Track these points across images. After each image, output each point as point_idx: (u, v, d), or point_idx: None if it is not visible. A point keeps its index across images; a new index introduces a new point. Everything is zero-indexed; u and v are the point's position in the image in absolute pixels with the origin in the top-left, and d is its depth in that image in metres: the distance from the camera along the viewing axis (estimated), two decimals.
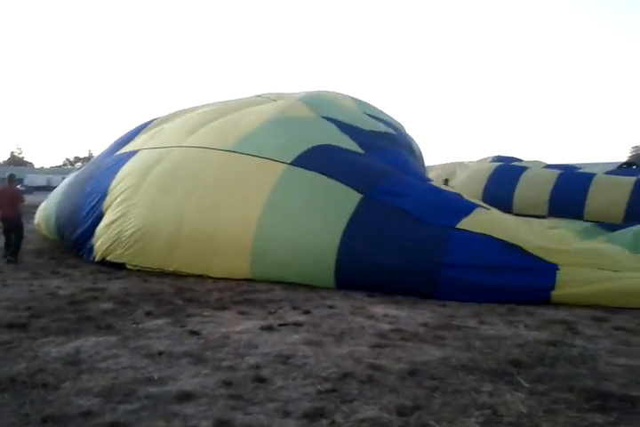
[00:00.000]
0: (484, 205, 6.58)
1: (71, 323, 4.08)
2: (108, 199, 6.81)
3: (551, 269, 4.94)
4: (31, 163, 68.57)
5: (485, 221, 5.68)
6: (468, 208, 5.94)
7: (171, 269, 6.05)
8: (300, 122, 6.99)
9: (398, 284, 5.17)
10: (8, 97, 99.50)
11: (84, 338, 3.69)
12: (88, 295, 5.01)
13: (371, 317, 4.27)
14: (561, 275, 4.84)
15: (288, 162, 6.18)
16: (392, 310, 4.48)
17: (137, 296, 4.99)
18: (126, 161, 7.24)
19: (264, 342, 3.58)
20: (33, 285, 5.53)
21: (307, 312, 4.41)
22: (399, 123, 8.98)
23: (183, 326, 3.99)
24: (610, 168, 15.47)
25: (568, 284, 4.77)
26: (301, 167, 6.14)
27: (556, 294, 4.74)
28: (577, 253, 5.30)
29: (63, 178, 10.04)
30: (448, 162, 16.64)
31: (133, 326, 4.02)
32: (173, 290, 5.27)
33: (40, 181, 43.75)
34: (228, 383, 2.85)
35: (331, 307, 4.59)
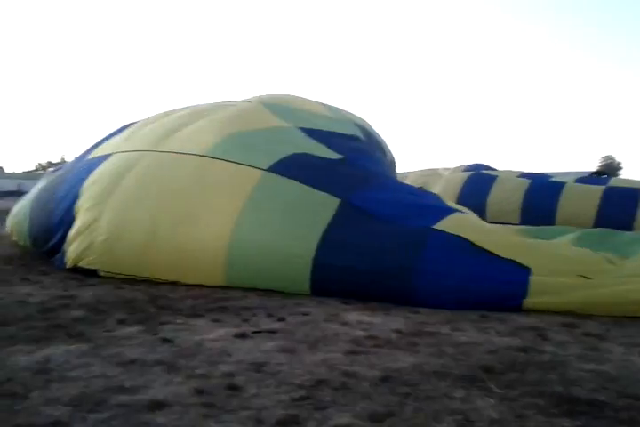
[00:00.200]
0: (463, 209, 6.65)
1: (41, 331, 4.01)
2: (79, 203, 6.71)
3: (524, 275, 4.99)
4: (1, 167, 67.30)
5: (462, 225, 5.73)
6: (445, 211, 6.00)
7: (144, 276, 5.98)
8: (275, 131, 6.99)
9: (373, 290, 5.19)
10: None
11: (54, 346, 3.63)
12: (59, 303, 4.92)
13: (345, 324, 4.29)
14: (533, 282, 4.90)
15: (264, 168, 6.18)
16: (366, 317, 4.50)
17: (109, 304, 4.93)
18: (98, 165, 7.14)
19: (238, 350, 3.56)
20: (2, 292, 5.42)
21: (281, 319, 4.41)
22: (371, 126, 9.01)
23: (156, 334, 3.95)
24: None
25: (540, 292, 4.83)
26: (278, 174, 6.14)
27: (528, 301, 4.80)
28: (551, 258, 5.36)
29: (35, 183, 9.88)
30: (421, 169, 16.80)
31: (105, 333, 3.97)
32: (146, 297, 5.22)
33: (11, 186, 42.91)
34: (200, 392, 2.84)
35: (305, 314, 4.60)
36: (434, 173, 15.43)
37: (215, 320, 4.38)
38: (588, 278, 5.05)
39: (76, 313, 4.56)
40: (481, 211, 11.10)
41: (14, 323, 4.22)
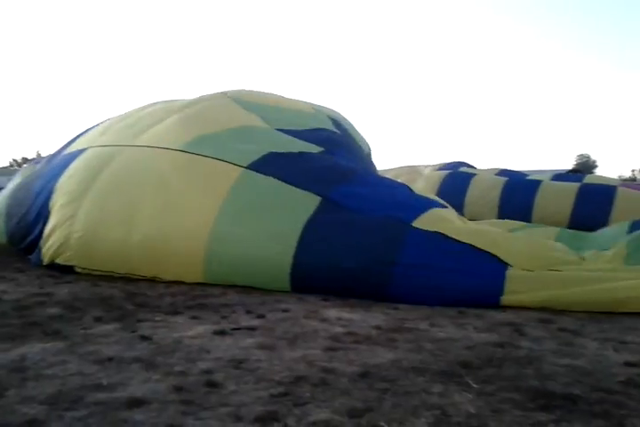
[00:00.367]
0: (443, 202, 6.71)
1: (16, 329, 3.95)
2: (54, 199, 6.62)
3: (501, 272, 5.04)
4: None
5: (441, 219, 5.78)
6: (425, 206, 6.04)
7: (121, 272, 5.93)
8: (252, 129, 6.96)
9: (353, 287, 5.21)
10: None
11: (29, 344, 3.58)
12: (35, 300, 4.86)
13: (324, 320, 4.30)
14: (510, 279, 4.96)
15: (244, 166, 6.16)
16: (345, 314, 4.52)
17: (86, 301, 4.88)
18: (74, 159, 7.04)
19: (217, 347, 3.55)
20: None
21: (260, 316, 4.40)
22: (346, 120, 8.97)
23: (134, 332, 3.92)
24: None
25: (517, 289, 4.89)
26: (258, 172, 6.11)
27: (506, 298, 4.86)
28: (529, 252, 5.43)
29: (10, 179, 9.72)
30: (401, 166, 16.87)
31: (82, 331, 3.93)
32: (124, 294, 5.17)
33: None
34: (179, 389, 2.82)
35: (285, 311, 4.60)
36: (414, 171, 15.53)
37: (194, 317, 4.36)
38: (560, 271, 5.13)
39: (52, 311, 4.51)
40: (459, 209, 11.18)
41: None
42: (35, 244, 6.72)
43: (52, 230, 6.33)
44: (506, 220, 9.12)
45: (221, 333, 3.88)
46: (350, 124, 8.91)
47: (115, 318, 4.29)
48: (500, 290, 4.91)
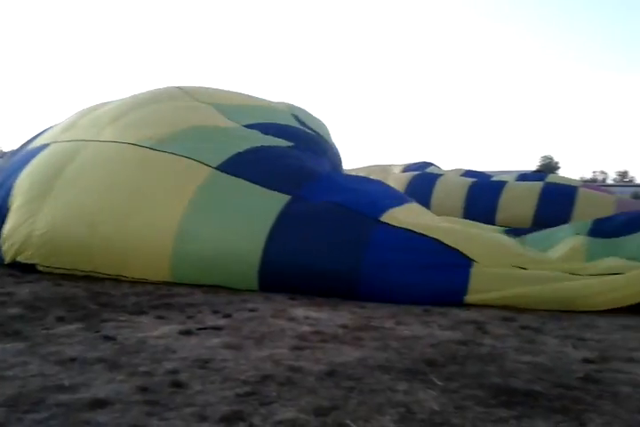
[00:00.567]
0: (411, 200, 6.78)
1: None
2: (15, 195, 6.44)
3: (465, 268, 5.11)
4: None
5: (409, 215, 5.83)
6: (394, 202, 6.09)
7: (85, 270, 5.82)
8: (223, 129, 6.90)
9: (320, 286, 5.22)
10: None
11: None
12: None
13: (292, 319, 4.30)
14: (474, 278, 5.04)
15: (213, 166, 6.10)
16: (313, 313, 4.53)
17: (48, 301, 4.77)
18: (36, 155, 6.87)
19: (182, 347, 3.52)
20: None
21: (227, 316, 4.38)
22: (312, 116, 8.94)
23: (97, 332, 3.85)
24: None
25: (480, 288, 4.97)
26: (227, 173, 6.06)
27: (469, 297, 4.94)
28: (493, 249, 5.53)
29: None
30: (368, 166, 16.96)
31: (43, 331, 3.84)
32: (87, 294, 5.08)
33: None
34: (143, 389, 2.79)
35: (252, 310, 4.58)
36: (384, 170, 15.64)
37: (159, 317, 4.31)
38: (524, 269, 5.24)
39: (13, 311, 4.40)
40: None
41: None
42: None
43: (13, 228, 6.16)
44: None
45: (187, 333, 3.85)
46: (316, 120, 8.86)
47: (77, 318, 4.22)
48: (464, 288, 4.99)
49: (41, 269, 5.99)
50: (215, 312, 4.49)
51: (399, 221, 5.56)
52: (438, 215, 10.19)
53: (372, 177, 14.56)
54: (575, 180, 15.46)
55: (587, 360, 3.40)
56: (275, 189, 5.92)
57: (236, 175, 6.04)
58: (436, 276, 5.09)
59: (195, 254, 5.53)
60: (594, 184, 29.79)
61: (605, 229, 6.77)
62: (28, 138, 8.18)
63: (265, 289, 5.34)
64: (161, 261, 5.59)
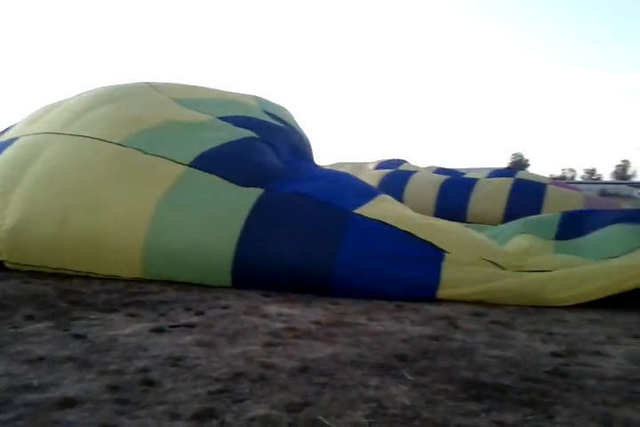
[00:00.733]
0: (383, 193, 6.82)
1: None
2: None
3: (437, 262, 5.16)
4: None
5: (384, 207, 5.85)
6: (367, 195, 6.10)
7: (54, 267, 5.72)
8: (194, 125, 6.82)
9: (293, 282, 5.22)
10: None
11: None
12: None
13: (265, 316, 4.30)
14: (446, 272, 5.09)
15: (186, 163, 6.04)
16: (286, 309, 4.53)
17: (16, 299, 4.68)
18: (3, 150, 6.72)
19: (154, 345, 3.49)
20: None
21: (200, 313, 4.36)
22: (282, 109, 8.90)
23: (67, 330, 3.80)
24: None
25: (452, 283, 5.03)
26: (200, 169, 6.02)
27: (441, 293, 5.00)
28: (466, 243, 5.59)
29: None
30: (340, 162, 17.02)
31: (11, 330, 3.77)
32: (57, 292, 5.00)
33: None
34: (114, 388, 2.76)
35: (225, 307, 4.57)
36: (358, 167, 15.71)
37: (131, 315, 4.27)
38: (495, 264, 5.32)
39: None
40: None
41: None
42: None
43: None
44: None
45: (159, 330, 3.81)
46: (283, 110, 8.81)
47: (47, 317, 4.15)
48: (435, 283, 5.03)
49: (8, 265, 5.87)
50: (187, 309, 4.46)
51: (372, 213, 5.58)
52: None
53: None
54: (544, 177, 15.75)
55: (555, 354, 3.47)
56: (247, 185, 5.90)
57: (208, 171, 6.00)
58: (408, 270, 5.12)
59: (167, 250, 5.48)
60: (562, 181, 30.31)
61: (568, 231, 6.92)
62: None
63: (238, 286, 5.32)
64: (133, 258, 5.53)
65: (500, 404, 2.67)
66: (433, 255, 5.25)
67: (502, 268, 5.31)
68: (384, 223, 5.47)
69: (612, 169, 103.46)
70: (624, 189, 61.94)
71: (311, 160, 8.41)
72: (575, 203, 11.33)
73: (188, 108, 7.15)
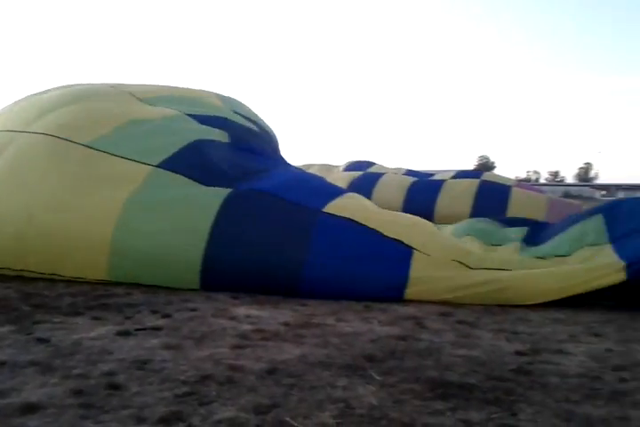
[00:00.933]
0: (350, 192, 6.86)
1: None
2: None
3: (406, 261, 5.19)
4: None
5: (353, 205, 5.88)
6: (335, 193, 6.13)
7: (17, 269, 5.58)
8: (162, 123, 6.74)
9: (262, 283, 5.20)
10: None
11: None
12: None
13: (233, 318, 4.28)
14: (414, 271, 5.13)
15: (154, 164, 5.97)
16: (254, 311, 4.52)
17: None
18: None
19: (119, 348, 3.44)
20: None
21: (167, 316, 4.31)
22: (250, 110, 8.86)
23: (30, 334, 3.71)
24: None
25: (420, 282, 5.08)
26: (167, 170, 5.95)
27: (409, 292, 5.04)
28: (436, 241, 5.65)
29: None
30: (310, 163, 17.04)
31: None
32: (19, 295, 4.88)
33: None
34: (78, 392, 2.71)
35: (192, 310, 4.53)
36: (326, 169, 15.76)
37: (96, 318, 4.19)
38: (462, 264, 5.39)
39: None
40: None
41: None
42: None
43: None
44: None
45: (125, 333, 3.76)
46: (246, 107, 8.76)
47: (9, 321, 4.05)
48: (404, 282, 5.07)
49: None
50: (154, 312, 4.41)
51: (341, 210, 5.60)
52: None
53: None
54: (510, 179, 16.03)
55: (519, 353, 3.54)
56: (215, 185, 5.86)
57: (175, 172, 5.94)
58: (377, 269, 5.15)
59: (134, 251, 5.40)
60: (527, 183, 30.92)
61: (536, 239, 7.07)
62: None
63: (207, 288, 5.28)
64: (98, 259, 5.42)
65: (466, 402, 2.71)
66: (401, 254, 5.29)
67: (468, 267, 5.38)
68: (353, 221, 5.50)
69: (575, 171, 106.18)
70: (587, 191, 63.65)
71: (280, 158, 8.40)
72: (539, 205, 11.57)
73: (154, 106, 7.08)
